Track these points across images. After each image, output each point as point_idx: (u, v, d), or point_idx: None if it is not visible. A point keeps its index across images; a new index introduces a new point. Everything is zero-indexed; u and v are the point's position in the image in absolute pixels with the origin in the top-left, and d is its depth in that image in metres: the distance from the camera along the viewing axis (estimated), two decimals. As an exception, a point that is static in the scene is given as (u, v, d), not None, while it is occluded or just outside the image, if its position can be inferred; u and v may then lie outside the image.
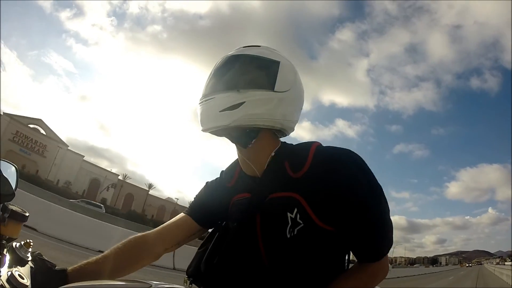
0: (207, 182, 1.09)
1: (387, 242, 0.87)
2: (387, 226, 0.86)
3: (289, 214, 0.84)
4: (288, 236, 0.83)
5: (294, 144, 0.96)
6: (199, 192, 1.08)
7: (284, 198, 0.86)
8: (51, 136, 53.17)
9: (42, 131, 51.84)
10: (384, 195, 0.86)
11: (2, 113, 46.48)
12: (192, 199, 1.08)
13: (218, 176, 1.08)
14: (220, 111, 0.83)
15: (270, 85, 0.86)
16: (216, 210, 1.01)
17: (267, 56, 0.89)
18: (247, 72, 0.86)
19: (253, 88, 0.84)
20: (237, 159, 1.02)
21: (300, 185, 0.85)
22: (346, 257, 0.93)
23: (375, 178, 0.85)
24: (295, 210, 0.83)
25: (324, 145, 0.92)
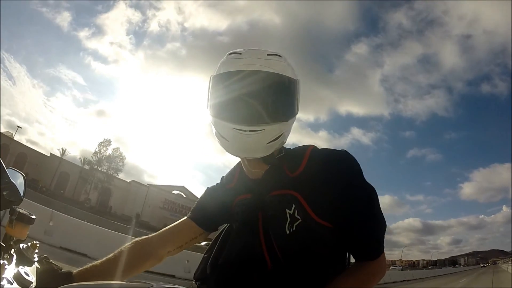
0: (207, 187, 1.11)
1: (382, 240, 0.87)
2: (381, 224, 0.87)
3: (287, 211, 0.86)
4: (288, 232, 0.85)
5: (292, 148, 0.99)
6: (200, 197, 1.10)
7: (282, 196, 0.88)
8: (192, 198, 59.55)
9: (183, 195, 59.02)
10: (376, 194, 0.88)
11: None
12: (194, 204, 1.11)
13: (219, 181, 1.10)
14: (267, 143, 0.85)
15: (298, 109, 0.90)
16: (218, 212, 1.03)
17: (294, 76, 0.90)
18: (287, 100, 0.88)
19: (291, 117, 0.89)
20: (238, 163, 1.05)
21: (297, 183, 0.87)
22: (347, 257, 0.93)
23: (365, 179, 0.87)
24: (293, 206, 0.86)
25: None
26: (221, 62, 0.90)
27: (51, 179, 48.05)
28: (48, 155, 50.29)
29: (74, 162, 51.05)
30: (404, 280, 22.47)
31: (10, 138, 49.16)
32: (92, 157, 50.29)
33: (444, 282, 25.16)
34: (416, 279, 26.15)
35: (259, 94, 0.83)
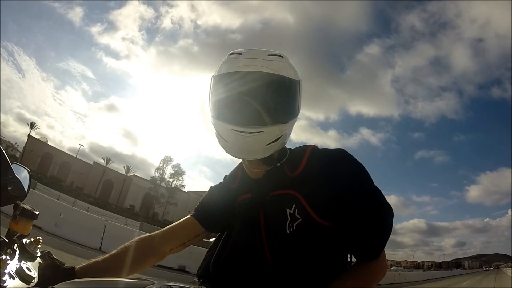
0: (211, 186, 1.12)
1: (383, 239, 0.86)
2: (383, 223, 0.86)
3: (288, 210, 0.86)
4: (288, 231, 0.85)
5: (292, 148, 0.99)
6: (204, 196, 1.11)
7: (283, 195, 0.88)
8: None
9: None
10: (379, 193, 0.86)
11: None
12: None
13: (222, 181, 1.11)
14: (266, 145, 0.85)
15: (299, 110, 0.89)
16: (220, 211, 1.03)
17: (295, 77, 0.89)
18: (288, 101, 0.87)
19: (291, 118, 0.88)
20: (241, 163, 1.05)
21: (296, 182, 0.87)
22: (348, 256, 0.93)
23: (370, 177, 0.86)
24: (294, 206, 0.86)
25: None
26: (222, 62, 0.89)
27: (96, 187, 50.85)
28: (91, 163, 54.34)
29: (94, 160, 54.04)
30: (427, 279, 28.59)
31: (48, 145, 51.37)
32: (155, 173, 56.15)
33: (465, 278, 34.94)
34: (442, 277, 36.58)
35: (258, 95, 0.83)
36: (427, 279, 28.43)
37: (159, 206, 54.65)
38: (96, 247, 7.63)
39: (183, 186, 57.14)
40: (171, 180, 56.05)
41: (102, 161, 56.28)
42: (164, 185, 55.41)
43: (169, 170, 56.67)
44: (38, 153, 48.91)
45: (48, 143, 53.59)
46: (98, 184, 51.38)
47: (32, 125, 50.84)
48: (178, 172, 56.90)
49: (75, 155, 53.94)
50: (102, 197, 50.05)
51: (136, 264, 0.96)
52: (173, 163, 57.56)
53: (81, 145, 57.78)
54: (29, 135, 49.48)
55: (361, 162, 0.88)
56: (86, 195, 45.11)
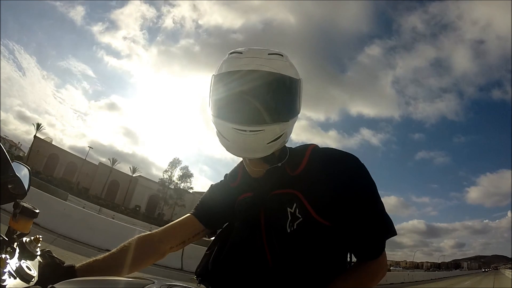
0: (211, 185, 1.12)
1: (382, 239, 0.86)
2: (383, 223, 0.86)
3: (288, 209, 0.86)
4: (289, 230, 0.85)
5: (293, 147, 0.98)
6: (204, 194, 1.11)
7: (283, 195, 0.88)
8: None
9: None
10: (378, 194, 0.86)
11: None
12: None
13: (223, 179, 1.10)
14: (267, 144, 0.84)
15: (299, 108, 0.89)
16: (221, 210, 1.03)
17: (296, 76, 0.88)
18: (288, 100, 0.86)
19: (292, 117, 0.87)
20: (241, 162, 1.05)
21: (297, 181, 0.87)
22: (348, 256, 0.93)
23: (371, 177, 0.86)
24: (294, 205, 0.85)
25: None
26: (223, 61, 0.89)
27: (102, 187, 51.44)
28: (96, 163, 55.33)
29: (102, 162, 54.67)
30: (432, 279, 31.20)
31: (54, 145, 51.96)
32: (163, 175, 57.36)
33: (465, 279, 37.02)
34: (444, 278, 39.82)
35: (259, 94, 0.82)
36: (431, 279, 30.69)
37: (168, 208, 55.32)
38: (178, 267, 7.75)
39: (191, 188, 58.24)
40: (179, 182, 57.01)
41: (104, 160, 57.29)
42: (172, 187, 56.07)
43: (177, 172, 57.67)
44: (44, 153, 49.26)
45: (52, 143, 54.08)
46: (104, 185, 51.92)
47: (38, 126, 51.18)
48: (187, 174, 58.04)
49: (79, 155, 54.83)
50: (108, 198, 50.46)
51: (136, 263, 0.96)
52: (181, 165, 58.80)
53: (90, 147, 58.92)
54: (35, 136, 49.77)
55: (363, 163, 0.87)
56: (93, 196, 45.39)
